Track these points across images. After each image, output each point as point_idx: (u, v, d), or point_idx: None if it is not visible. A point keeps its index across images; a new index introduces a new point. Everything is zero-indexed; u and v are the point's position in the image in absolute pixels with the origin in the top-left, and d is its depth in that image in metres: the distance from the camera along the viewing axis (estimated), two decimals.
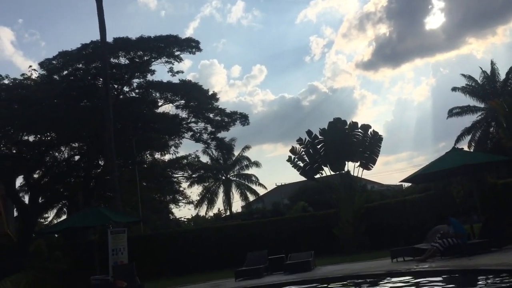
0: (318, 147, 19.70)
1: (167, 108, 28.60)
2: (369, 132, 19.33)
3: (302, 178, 22.84)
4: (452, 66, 79.71)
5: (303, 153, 19.90)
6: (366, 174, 47.94)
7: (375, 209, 18.91)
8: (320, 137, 19.67)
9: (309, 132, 19.79)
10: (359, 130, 19.40)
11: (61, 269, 15.81)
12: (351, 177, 19.46)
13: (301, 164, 19.90)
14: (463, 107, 35.78)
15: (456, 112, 35.93)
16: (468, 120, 35.32)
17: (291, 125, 72.98)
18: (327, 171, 19.59)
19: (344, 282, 9.81)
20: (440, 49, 79.59)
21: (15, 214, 26.43)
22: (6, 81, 24.88)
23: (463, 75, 36.52)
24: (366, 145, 19.22)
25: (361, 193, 20.06)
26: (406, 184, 32.52)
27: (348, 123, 19.56)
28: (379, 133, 19.49)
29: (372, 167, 19.30)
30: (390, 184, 42.79)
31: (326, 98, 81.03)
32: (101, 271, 14.77)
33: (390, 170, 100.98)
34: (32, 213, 25.00)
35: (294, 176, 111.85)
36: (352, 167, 19.37)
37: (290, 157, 20.00)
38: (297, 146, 19.99)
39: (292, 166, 20.01)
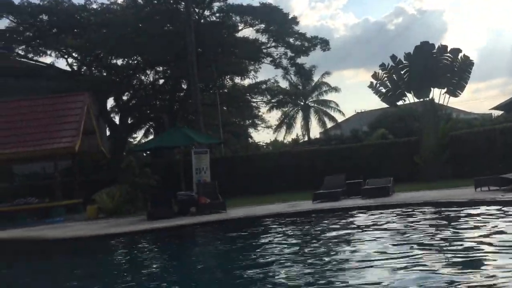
0: (402, 72, 18.93)
1: (247, 32, 28.41)
2: (459, 57, 18.16)
3: (383, 105, 22.30)
4: None
5: (386, 79, 19.25)
6: (452, 102, 45.58)
7: (460, 137, 18.12)
8: (404, 62, 18.82)
9: (393, 57, 18.98)
10: (448, 54, 18.27)
11: (150, 184, 17.03)
12: (435, 104, 18.71)
13: (383, 90, 19.34)
14: None
15: None
16: None
17: (374, 50, 70.04)
18: (410, 98, 18.95)
19: (423, 208, 9.74)
20: None
21: (108, 133, 28.41)
22: (94, 6, 25.82)
23: None
24: (455, 71, 18.15)
25: (446, 121, 19.23)
26: (497, 113, 30.62)
27: (436, 47, 18.48)
28: (470, 58, 18.28)
29: (460, 94, 18.34)
30: (479, 113, 40.44)
31: (413, 21, 76.04)
32: (186, 188, 15.75)
33: (480, 97, 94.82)
34: (123, 132, 26.73)
35: (374, 103, 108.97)
36: (437, 94, 18.56)
37: (371, 83, 19.45)
38: (380, 71, 19.33)
39: (374, 93, 19.53)
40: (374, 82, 19.35)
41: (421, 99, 18.76)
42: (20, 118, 17.62)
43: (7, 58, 25.68)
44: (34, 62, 26.64)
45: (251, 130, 41.41)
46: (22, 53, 26.06)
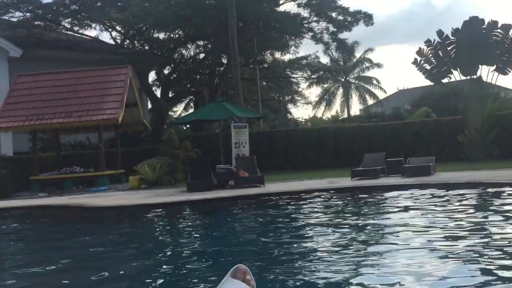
0: (449, 48, 18.31)
1: (289, 7, 28.02)
2: (510, 33, 17.36)
3: (426, 83, 21.67)
4: None
5: (431, 55, 18.68)
6: (501, 80, 43.81)
7: (508, 117, 17.49)
8: (452, 38, 18.17)
9: (439, 33, 18.35)
10: (499, 30, 17.50)
11: (190, 157, 17.34)
12: (483, 82, 18.06)
13: (428, 67, 18.79)
14: None
15: None
16: None
17: (420, 26, 67.95)
18: (456, 76, 18.36)
19: (464, 189, 9.53)
20: None
21: (149, 106, 28.94)
22: None
23: None
24: (505, 47, 17.39)
25: (493, 100, 18.56)
26: None
27: (486, 22, 17.72)
28: None
29: (510, 72, 17.61)
30: None
31: None
32: (225, 162, 15.95)
33: None
34: (164, 105, 27.16)
35: (418, 81, 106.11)
36: (485, 72, 17.89)
37: (416, 59, 18.91)
38: (425, 47, 18.76)
39: (418, 69, 19.01)
40: (419, 58, 18.82)
41: (468, 77, 18.15)
42: (66, 89, 18.17)
43: (54, 31, 26.37)
44: (79, 35, 27.26)
45: (290, 106, 41.26)
46: (68, 26, 26.66)
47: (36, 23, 25.17)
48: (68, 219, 10.55)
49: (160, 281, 4.65)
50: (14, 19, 25.22)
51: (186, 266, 4.98)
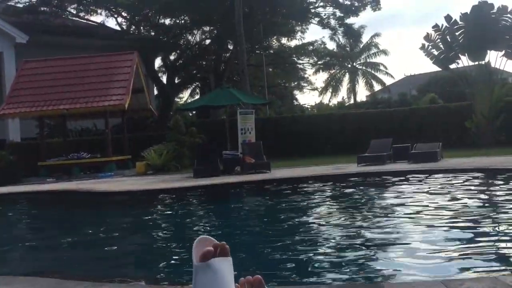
0: (457, 34, 18.12)
1: None
2: None
3: (433, 69, 21.58)
4: None
5: (439, 40, 18.52)
6: (510, 66, 43.39)
7: None
8: (460, 22, 17.98)
9: (447, 17, 18.15)
10: (508, 15, 17.29)
11: (196, 143, 17.38)
12: (491, 68, 17.91)
13: (435, 52, 18.64)
14: None
15: None
16: None
17: (427, 11, 67.20)
18: (464, 61, 18.20)
19: (472, 174, 9.51)
20: None
21: (155, 92, 28.97)
22: None
23: None
24: None
25: (501, 85, 18.43)
26: None
27: (495, 7, 17.51)
28: None
29: None
30: None
31: None
32: (231, 148, 15.97)
33: None
34: (170, 92, 27.17)
35: (425, 67, 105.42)
36: (494, 57, 17.74)
37: (423, 44, 18.76)
38: (432, 32, 18.59)
39: (425, 55, 18.86)
40: (426, 44, 18.66)
41: (476, 62, 18.00)
42: (73, 76, 18.20)
43: (60, 17, 26.33)
44: (85, 21, 27.22)
45: (296, 92, 41.17)
46: (74, 12, 26.62)
47: (42, 9, 25.13)
48: (76, 203, 10.65)
49: (164, 262, 4.70)
50: (20, 5, 25.20)
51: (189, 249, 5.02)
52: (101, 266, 4.65)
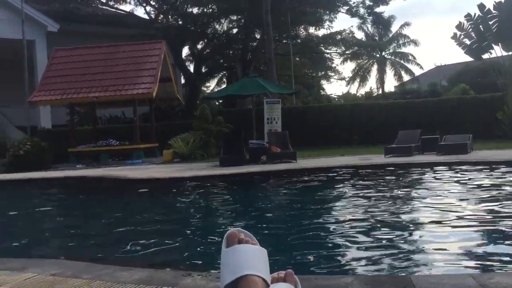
0: (490, 23, 17.64)
1: None
2: None
3: (465, 59, 21.11)
4: None
5: (471, 29, 18.07)
6: None
7: None
8: (494, 11, 17.49)
9: (481, 6, 17.68)
10: None
11: (222, 132, 17.48)
12: None
13: (468, 42, 18.22)
14: None
15: None
16: None
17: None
18: (497, 51, 17.74)
19: (506, 167, 9.29)
20: None
21: (182, 81, 29.17)
22: None
23: None
24: None
25: None
26: None
27: None
28: None
29: None
30: None
31: None
32: (257, 137, 16.00)
33: None
34: (197, 81, 27.32)
35: (456, 57, 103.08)
36: None
37: (455, 34, 18.35)
38: (465, 22, 18.15)
39: (457, 44, 18.49)
40: (458, 33, 18.25)
41: (510, 52, 17.52)
42: (102, 64, 18.47)
43: (90, 5, 26.70)
44: (114, 10, 27.53)
45: (323, 82, 40.84)
46: (104, 1, 26.94)
47: None
48: (105, 189, 10.87)
49: (190, 250, 4.76)
50: None
51: (216, 238, 5.07)
52: (130, 252, 4.74)
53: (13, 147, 16.61)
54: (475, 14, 17.76)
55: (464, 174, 9.14)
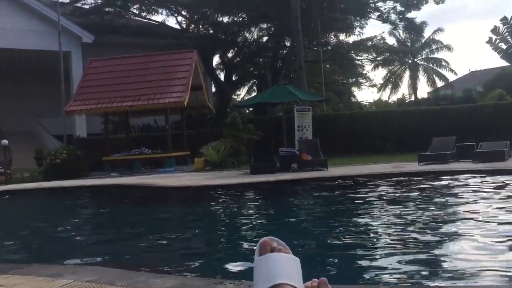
0: None
1: None
2: None
3: (501, 64, 20.56)
4: None
5: (507, 33, 17.63)
6: None
7: None
8: None
9: None
10: None
11: (253, 139, 17.51)
12: None
13: (504, 47, 17.81)
14: None
15: None
16: None
17: (495, 3, 63.91)
18: None
19: None
20: None
21: (213, 90, 29.45)
22: None
23: None
24: None
25: None
26: None
27: None
28: None
29: None
30: None
31: None
32: (288, 145, 15.97)
33: None
34: (227, 89, 27.53)
35: (491, 61, 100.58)
36: None
37: (490, 38, 17.96)
38: (501, 25, 17.73)
39: (492, 49, 18.09)
40: (494, 37, 17.86)
41: None
42: (135, 74, 18.84)
43: (123, 17, 27.33)
44: (146, 21, 28.10)
45: (354, 88, 40.50)
46: (136, 12, 27.54)
47: (107, 9, 26.19)
48: (140, 197, 11.04)
49: (222, 257, 4.77)
50: (87, 6, 26.39)
51: (248, 246, 5.07)
52: (163, 259, 4.79)
53: (50, 155, 17.07)
54: (511, 17, 17.34)
55: (503, 182, 8.86)
